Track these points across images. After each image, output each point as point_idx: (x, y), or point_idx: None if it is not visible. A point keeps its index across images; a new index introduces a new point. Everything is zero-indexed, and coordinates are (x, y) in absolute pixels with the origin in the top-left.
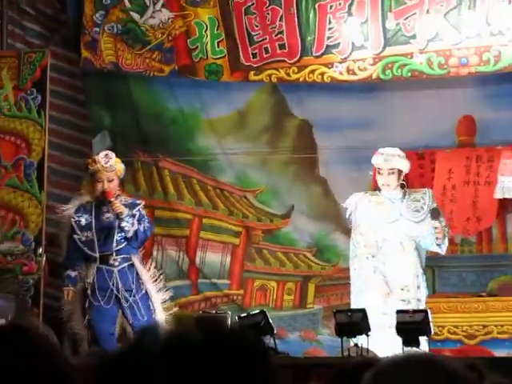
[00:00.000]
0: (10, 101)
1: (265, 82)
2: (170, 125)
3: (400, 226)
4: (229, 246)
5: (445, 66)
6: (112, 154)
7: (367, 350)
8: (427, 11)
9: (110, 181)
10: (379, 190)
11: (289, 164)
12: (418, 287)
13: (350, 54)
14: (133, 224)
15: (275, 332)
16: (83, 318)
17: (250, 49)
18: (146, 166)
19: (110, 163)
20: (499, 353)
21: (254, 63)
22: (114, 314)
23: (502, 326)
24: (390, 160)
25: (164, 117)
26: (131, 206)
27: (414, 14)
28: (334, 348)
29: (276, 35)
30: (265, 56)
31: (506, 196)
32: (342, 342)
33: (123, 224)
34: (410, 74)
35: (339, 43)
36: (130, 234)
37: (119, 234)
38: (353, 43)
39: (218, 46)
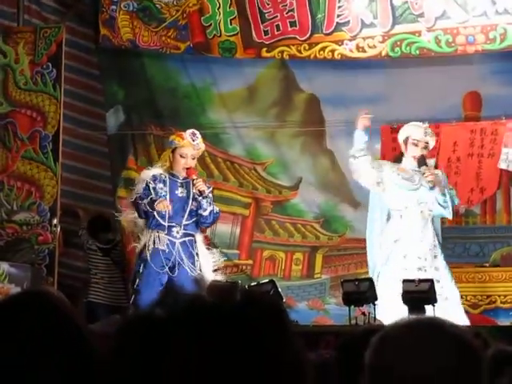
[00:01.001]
0: (26, 75)
1: (277, 58)
2: (182, 99)
3: (420, 194)
4: (239, 216)
5: (452, 44)
6: (198, 133)
7: (374, 318)
8: None
9: (193, 158)
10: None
11: (297, 137)
12: (435, 256)
13: (360, 31)
14: (210, 204)
15: (284, 301)
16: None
17: (261, 26)
18: (159, 139)
19: (197, 141)
20: (502, 322)
21: (265, 40)
22: (163, 282)
23: (506, 295)
24: (429, 134)
25: (177, 91)
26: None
27: None
28: (341, 317)
29: (287, 13)
30: (276, 33)
31: (510, 169)
32: (349, 310)
33: (204, 202)
34: (418, 52)
35: (349, 21)
36: (206, 213)
37: (190, 210)
38: (362, 21)
39: (231, 24)
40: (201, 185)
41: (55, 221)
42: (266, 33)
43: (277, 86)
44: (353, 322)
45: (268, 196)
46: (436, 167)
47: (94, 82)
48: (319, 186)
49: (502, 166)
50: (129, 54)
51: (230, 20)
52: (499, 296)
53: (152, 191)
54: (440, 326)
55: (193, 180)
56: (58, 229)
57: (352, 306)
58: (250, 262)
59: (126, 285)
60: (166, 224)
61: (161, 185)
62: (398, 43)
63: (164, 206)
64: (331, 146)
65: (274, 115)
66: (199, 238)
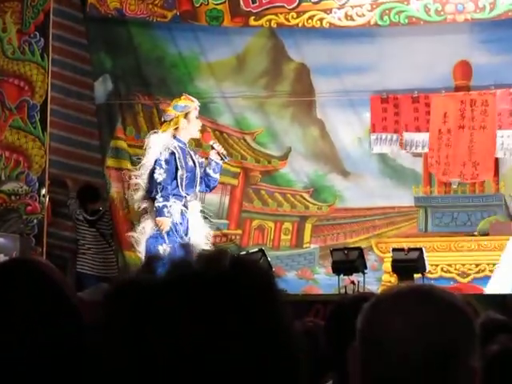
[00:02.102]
0: (14, 44)
1: (264, 27)
2: (170, 68)
3: None
4: (227, 186)
5: (441, 13)
6: None
7: (364, 287)
8: None
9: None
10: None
11: (286, 107)
12: None
13: (348, 0)
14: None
15: (273, 270)
16: None
17: None
18: (147, 108)
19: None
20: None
21: (253, 9)
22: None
23: (494, 264)
24: None
25: (164, 61)
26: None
27: None
28: (330, 286)
29: None
30: (264, 2)
31: (507, 156)
32: (338, 279)
33: (220, 166)
34: (407, 21)
35: None
36: (217, 176)
37: (200, 178)
38: None
39: None
40: (222, 148)
41: (44, 191)
42: (253, 1)
43: (266, 55)
44: (342, 291)
45: (257, 166)
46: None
47: (82, 52)
48: (309, 155)
49: (500, 154)
50: (116, 23)
51: None
52: (488, 265)
53: (177, 161)
54: (431, 292)
55: (211, 144)
56: (47, 199)
57: (341, 275)
58: (239, 231)
59: (113, 255)
60: (184, 194)
61: (180, 152)
62: (387, 12)
63: (166, 224)
64: (321, 116)
65: (263, 85)
66: (198, 206)
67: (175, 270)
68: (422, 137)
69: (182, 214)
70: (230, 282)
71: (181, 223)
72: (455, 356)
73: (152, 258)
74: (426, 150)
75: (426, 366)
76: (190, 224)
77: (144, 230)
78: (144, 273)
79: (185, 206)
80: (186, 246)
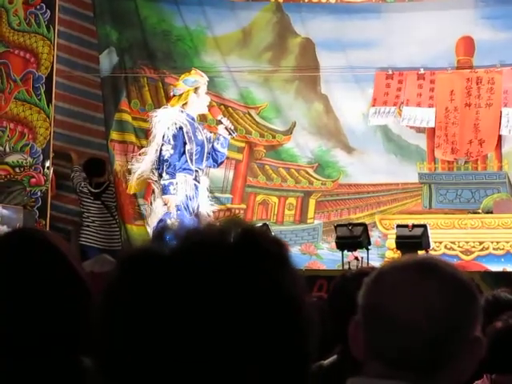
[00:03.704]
0: (20, 16)
1: (272, 1)
2: (176, 42)
3: None
4: (232, 161)
5: None
6: None
7: (368, 263)
8: None
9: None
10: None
11: (291, 81)
12: None
13: None
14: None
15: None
16: None
17: None
18: (152, 81)
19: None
20: (495, 268)
21: None
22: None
23: (498, 242)
24: None
25: (170, 34)
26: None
27: None
28: (334, 262)
29: None
30: None
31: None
32: (342, 255)
33: (228, 140)
34: None
35: None
36: (225, 150)
37: (208, 153)
38: None
39: None
40: (230, 123)
41: (48, 163)
42: None
43: (271, 29)
44: (345, 267)
45: (261, 140)
46: None
47: (89, 24)
48: (313, 131)
49: (504, 132)
50: None
51: None
52: (492, 242)
53: (185, 135)
54: (434, 265)
55: (219, 119)
56: (51, 171)
57: (345, 251)
58: (243, 206)
59: (117, 228)
60: (194, 168)
61: (188, 126)
62: None
63: (172, 202)
64: (325, 91)
65: (269, 59)
66: (206, 181)
67: (187, 239)
68: (423, 111)
69: (196, 188)
70: (242, 251)
71: (192, 198)
72: (459, 327)
73: (163, 228)
74: (425, 124)
75: (430, 337)
76: (200, 199)
77: (156, 211)
78: (155, 243)
79: (197, 179)
80: (198, 216)
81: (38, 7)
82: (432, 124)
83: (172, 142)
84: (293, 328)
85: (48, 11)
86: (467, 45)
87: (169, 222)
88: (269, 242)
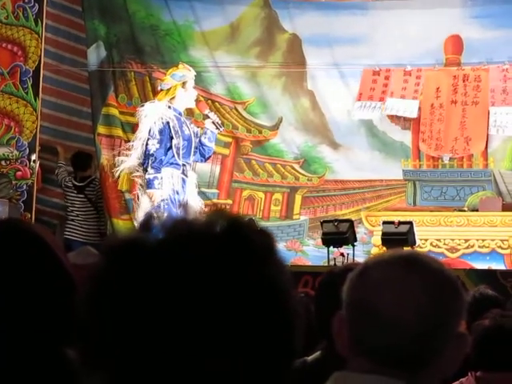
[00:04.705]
0: (8, 9)
1: None
2: (163, 37)
3: None
4: (218, 156)
5: None
6: None
7: (353, 259)
8: None
9: None
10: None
11: (278, 77)
12: None
13: None
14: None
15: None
16: None
17: None
18: (140, 76)
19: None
20: (480, 266)
21: None
22: None
23: (484, 240)
24: None
25: (158, 29)
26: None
27: None
28: (319, 258)
29: None
30: None
31: (500, 133)
32: (328, 251)
33: (215, 134)
34: None
35: None
36: (212, 145)
37: (195, 147)
38: None
39: None
40: (217, 118)
41: (34, 156)
42: None
43: (259, 25)
44: (331, 263)
45: (248, 136)
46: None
47: (77, 18)
48: (299, 126)
49: (492, 131)
50: None
51: None
52: (477, 240)
53: (172, 130)
54: (419, 260)
55: (206, 114)
56: (37, 165)
57: (331, 247)
58: (229, 201)
59: (101, 222)
60: (181, 162)
61: (175, 121)
62: None
63: (157, 196)
64: (312, 87)
65: (256, 54)
66: (193, 176)
67: (173, 230)
68: (406, 103)
69: (183, 182)
70: (229, 242)
71: (178, 192)
72: (444, 323)
73: (149, 219)
74: (408, 114)
75: (415, 333)
76: (187, 193)
77: (142, 205)
78: (140, 233)
79: (184, 174)
80: (184, 207)
81: (26, 1)
82: (414, 115)
83: (158, 137)
84: (279, 320)
85: (36, 5)
86: (455, 43)
87: (155, 214)
88: (255, 233)
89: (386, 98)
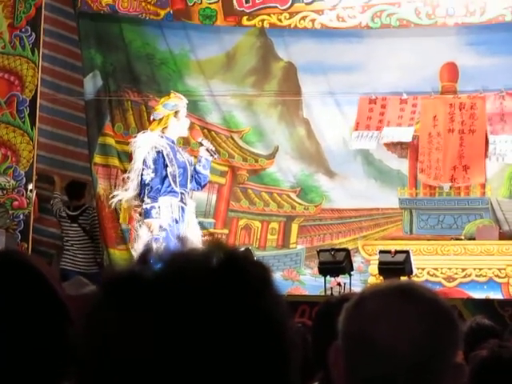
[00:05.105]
0: (5, 38)
1: (257, 26)
2: (159, 66)
3: None
4: (215, 185)
5: (432, 16)
6: None
7: (350, 289)
8: None
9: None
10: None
11: (274, 106)
12: None
13: (340, 1)
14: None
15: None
16: None
17: None
18: (136, 105)
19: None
20: (477, 296)
21: (246, 8)
22: None
23: (481, 269)
24: None
25: (154, 58)
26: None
27: None
28: (316, 288)
29: None
30: (257, 2)
31: (500, 161)
32: (324, 280)
33: (210, 162)
34: (398, 23)
35: None
36: (207, 172)
37: (191, 175)
38: None
39: None
40: (211, 145)
41: (31, 186)
42: (246, 1)
43: (255, 53)
44: (328, 292)
45: (244, 164)
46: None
47: (73, 47)
48: (295, 155)
49: (493, 159)
50: (107, 20)
51: None
52: (474, 269)
53: (166, 158)
54: (415, 291)
55: (200, 141)
56: (34, 194)
57: (327, 277)
58: (226, 231)
59: (96, 251)
60: (179, 190)
61: (169, 149)
62: (378, 14)
63: (155, 226)
64: (307, 115)
65: (252, 83)
66: (192, 204)
67: (170, 262)
68: (402, 130)
69: (182, 210)
70: (225, 275)
71: (177, 221)
72: (440, 354)
73: (147, 251)
74: (403, 139)
75: (410, 363)
76: (186, 222)
77: (141, 235)
78: (138, 266)
79: (183, 202)
80: (181, 239)
81: (23, 30)
82: (409, 139)
83: (152, 166)
84: (275, 352)
85: (33, 34)
86: (451, 71)
87: (154, 245)
88: (252, 265)
89: (383, 128)
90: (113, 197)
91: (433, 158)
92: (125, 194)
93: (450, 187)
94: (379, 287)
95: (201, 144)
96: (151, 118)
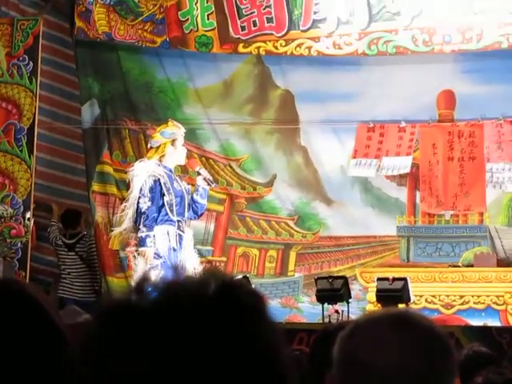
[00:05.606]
0: (3, 67)
1: (253, 54)
2: (158, 94)
3: None
4: (213, 213)
5: (429, 43)
6: None
7: (348, 316)
8: None
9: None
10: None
11: (271, 134)
12: None
13: (336, 28)
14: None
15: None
16: None
17: (238, 22)
18: (134, 133)
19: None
20: (475, 323)
21: (242, 36)
22: None
23: (479, 296)
24: None
25: (152, 86)
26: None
27: None
28: (314, 315)
29: (264, 9)
30: (253, 29)
31: (497, 189)
32: (322, 308)
33: (207, 191)
34: (395, 50)
35: (326, 18)
36: (204, 202)
37: (188, 204)
38: (339, 18)
39: (208, 19)
40: (209, 174)
41: (28, 214)
42: (242, 28)
43: (252, 81)
44: (326, 320)
45: (242, 192)
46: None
47: (71, 76)
48: (293, 183)
49: (490, 187)
50: (104, 48)
51: (207, 15)
52: (472, 296)
53: (163, 186)
54: (408, 319)
55: (197, 170)
56: (31, 222)
57: (325, 304)
58: (224, 258)
59: (93, 279)
60: (176, 218)
61: (166, 178)
62: (375, 41)
63: (149, 255)
64: (305, 143)
65: (249, 111)
66: (190, 233)
67: (166, 291)
68: (401, 160)
69: (180, 238)
70: (220, 303)
71: (175, 249)
72: (435, 380)
73: (143, 280)
74: (402, 171)
75: None
76: (184, 250)
77: (139, 264)
78: (134, 295)
79: (181, 230)
80: (177, 268)
81: (20, 59)
82: (407, 170)
83: (149, 195)
84: (271, 379)
85: (31, 63)
86: (448, 98)
87: (151, 273)
88: (247, 294)
89: (382, 157)
90: (111, 230)
91: (433, 187)
92: (121, 227)
93: (451, 215)
94: (374, 315)
95: (198, 173)
96: (148, 145)
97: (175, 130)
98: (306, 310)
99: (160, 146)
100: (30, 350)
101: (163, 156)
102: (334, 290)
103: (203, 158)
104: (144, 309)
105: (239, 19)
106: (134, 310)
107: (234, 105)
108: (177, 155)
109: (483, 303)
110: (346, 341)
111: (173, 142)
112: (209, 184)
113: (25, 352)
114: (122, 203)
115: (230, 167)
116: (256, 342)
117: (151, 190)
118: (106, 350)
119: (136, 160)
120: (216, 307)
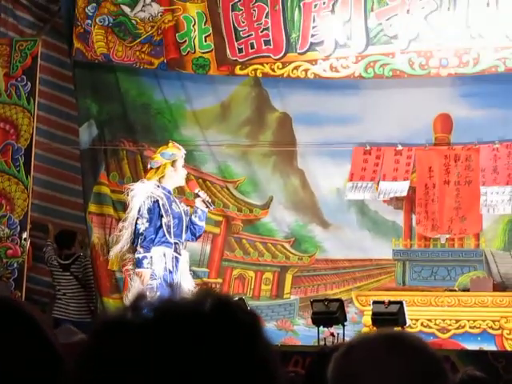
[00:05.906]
0: (1, 87)
1: (250, 76)
2: (155, 115)
3: None
4: (209, 235)
5: (425, 67)
6: None
7: (343, 339)
8: (408, 11)
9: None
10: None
11: (268, 156)
12: None
13: (333, 51)
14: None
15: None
16: None
17: (236, 44)
18: (131, 154)
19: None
20: (471, 347)
21: (239, 58)
22: None
23: (475, 320)
24: None
25: (150, 108)
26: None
27: (396, 15)
28: (310, 338)
29: (262, 31)
30: (250, 51)
31: (491, 212)
32: (318, 331)
33: (206, 213)
34: (391, 74)
35: (323, 41)
36: (203, 224)
37: (186, 226)
38: (336, 41)
39: (206, 41)
40: (208, 196)
41: (25, 235)
42: (240, 50)
43: (249, 104)
44: (321, 343)
45: (239, 214)
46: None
47: (69, 97)
48: (290, 205)
49: (483, 211)
50: (103, 69)
51: (205, 37)
52: (468, 321)
53: (162, 208)
54: (402, 340)
55: (196, 193)
56: (28, 243)
57: (321, 327)
58: (220, 280)
59: (88, 300)
60: (173, 240)
61: (165, 199)
62: (372, 64)
63: (146, 276)
64: (302, 166)
65: (246, 133)
66: (186, 255)
67: (161, 309)
68: (398, 184)
69: (176, 260)
70: (215, 322)
71: (171, 271)
72: None
73: (139, 298)
74: (398, 194)
75: None
76: (180, 272)
77: (135, 284)
78: (129, 312)
79: (177, 252)
80: (172, 287)
81: (18, 79)
82: (404, 193)
83: (147, 216)
84: None
85: (29, 83)
86: (444, 122)
87: (147, 293)
88: (242, 313)
89: (379, 181)
90: (108, 251)
91: (429, 210)
92: (118, 247)
93: (447, 239)
94: (368, 336)
95: (197, 195)
96: (148, 166)
97: (175, 151)
98: (302, 332)
99: (160, 167)
100: (25, 367)
101: (163, 177)
102: (329, 313)
103: (200, 180)
104: (139, 325)
105: (237, 41)
106: (130, 327)
107: (232, 127)
108: (177, 177)
109: (479, 327)
110: (340, 361)
111: (173, 163)
112: (207, 206)
113: (20, 369)
114: (119, 224)
115: (227, 189)
116: (252, 358)
117: (149, 211)
118: (100, 366)
119: (133, 181)
120: (212, 324)
